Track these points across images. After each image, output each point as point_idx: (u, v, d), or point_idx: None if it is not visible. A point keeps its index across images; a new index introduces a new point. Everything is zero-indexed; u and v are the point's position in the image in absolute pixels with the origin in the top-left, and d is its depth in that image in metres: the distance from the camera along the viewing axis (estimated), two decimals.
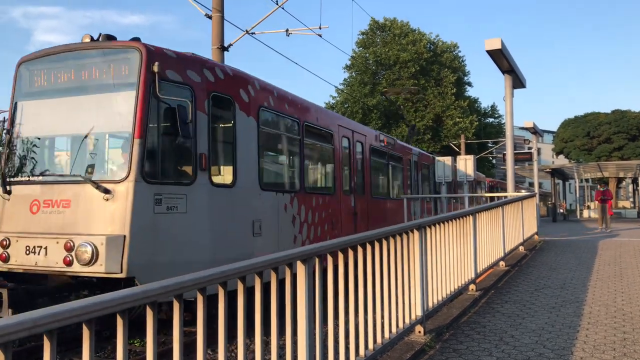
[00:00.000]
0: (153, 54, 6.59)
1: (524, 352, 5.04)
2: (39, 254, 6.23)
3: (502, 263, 9.59)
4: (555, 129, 55.81)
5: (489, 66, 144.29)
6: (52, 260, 6.15)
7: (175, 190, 6.63)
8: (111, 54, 6.81)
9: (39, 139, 7.15)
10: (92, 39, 6.97)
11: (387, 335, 4.65)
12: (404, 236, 5.13)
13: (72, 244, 6.04)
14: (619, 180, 47.69)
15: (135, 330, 5.49)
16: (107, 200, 6.24)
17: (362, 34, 44.45)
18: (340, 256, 4.06)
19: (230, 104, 7.62)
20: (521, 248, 11.81)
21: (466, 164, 19.12)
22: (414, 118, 40.89)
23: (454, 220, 6.66)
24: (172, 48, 7.08)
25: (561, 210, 39.94)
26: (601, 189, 23.44)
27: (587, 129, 47.80)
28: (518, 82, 15.45)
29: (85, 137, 6.80)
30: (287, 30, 14.95)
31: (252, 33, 13.94)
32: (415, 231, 5.34)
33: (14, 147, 7.23)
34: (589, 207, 42.50)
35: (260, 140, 8.19)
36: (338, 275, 4.06)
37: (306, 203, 9.42)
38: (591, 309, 6.76)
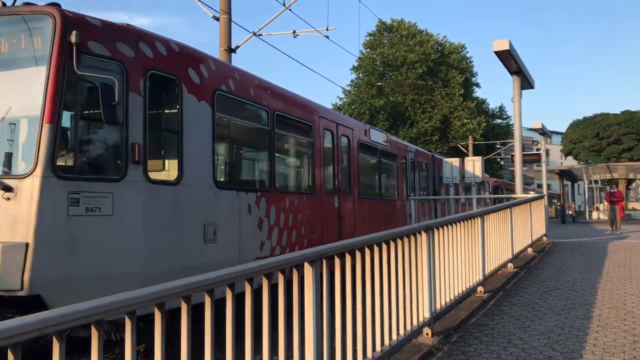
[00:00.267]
0: (70, 21, 5.49)
1: (533, 354, 5.01)
2: None
3: (510, 265, 9.54)
4: (564, 130, 55.45)
5: (497, 67, 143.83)
6: None
7: (97, 188, 5.52)
8: (21, 22, 5.66)
9: None
10: (3, 4, 5.89)
11: (394, 337, 4.64)
12: (412, 238, 5.12)
13: None
14: (629, 181, 47.31)
15: (144, 333, 5.51)
16: (9, 199, 5.16)
17: (370, 35, 44.47)
18: (348, 258, 4.06)
19: (175, 86, 6.46)
20: (530, 250, 11.74)
21: (474, 166, 19.04)
22: (421, 119, 40.82)
23: (461, 222, 6.63)
24: None
25: (570, 212, 39.71)
26: (612, 191, 23.30)
27: (597, 130, 47.45)
28: (526, 83, 15.37)
29: None
30: (294, 32, 14.98)
31: (260, 35, 13.97)
32: (423, 233, 5.33)
33: None
34: (598, 209, 42.23)
35: (216, 130, 7.05)
36: (345, 278, 4.06)
37: (277, 204, 8.28)
38: (601, 311, 6.71)
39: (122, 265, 5.62)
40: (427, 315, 5.32)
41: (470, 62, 46.70)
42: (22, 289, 4.97)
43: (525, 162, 23.05)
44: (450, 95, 42.05)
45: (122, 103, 5.67)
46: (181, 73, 6.56)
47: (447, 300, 6.01)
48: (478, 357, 4.94)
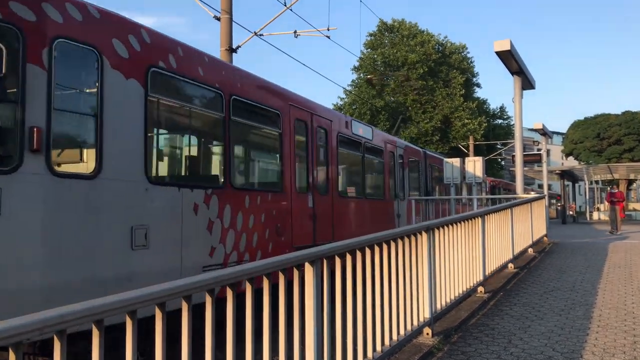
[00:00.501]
0: None
1: (533, 354, 5.01)
2: None
3: (511, 265, 9.54)
4: (564, 130, 55.50)
5: (498, 67, 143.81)
6: None
7: None
8: None
9: None
10: None
11: (395, 337, 4.65)
12: (413, 238, 5.13)
13: None
14: (630, 182, 47.29)
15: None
16: None
17: (370, 35, 44.51)
18: (349, 258, 4.06)
19: (94, 59, 5.36)
20: (530, 250, 11.74)
21: (475, 166, 19.03)
22: (422, 119, 40.82)
23: (462, 222, 6.64)
24: None
25: (571, 212, 39.69)
26: (612, 191, 23.30)
27: (597, 131, 47.47)
28: (527, 83, 15.38)
29: None
30: (295, 32, 14.99)
31: (261, 35, 13.98)
32: (423, 233, 5.33)
33: None
34: (598, 209, 42.22)
35: (150, 115, 5.94)
36: (346, 278, 4.06)
37: (234, 203, 7.21)
38: (601, 312, 6.70)
39: (13, 277, 4.57)
40: (427, 315, 5.33)
41: (471, 62, 46.74)
42: None
43: (526, 163, 23.04)
44: (451, 95, 42.06)
45: (15, 76, 4.67)
46: (102, 43, 5.43)
47: (448, 300, 6.02)
48: (478, 357, 4.94)
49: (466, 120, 41.41)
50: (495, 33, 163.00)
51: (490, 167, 43.05)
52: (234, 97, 7.41)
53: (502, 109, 51.17)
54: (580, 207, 55.38)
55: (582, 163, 47.21)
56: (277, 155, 8.72)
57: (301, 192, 9.12)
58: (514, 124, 17.98)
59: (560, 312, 6.69)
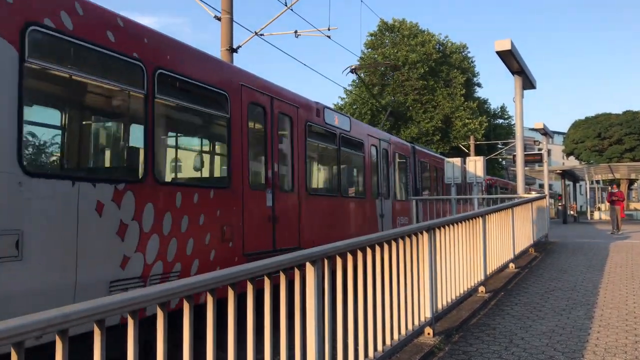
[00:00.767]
0: None
1: (534, 354, 5.01)
2: None
3: (512, 265, 9.54)
4: (565, 130, 55.52)
5: (498, 67, 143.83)
6: None
7: None
8: None
9: None
10: None
11: (396, 337, 4.65)
12: (414, 238, 5.13)
13: None
14: (631, 182, 47.30)
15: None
16: None
17: (371, 35, 44.46)
18: (350, 258, 4.06)
19: None
20: (531, 250, 11.74)
21: (476, 166, 19.03)
22: (423, 119, 40.83)
23: (463, 222, 6.64)
24: None
25: (571, 212, 39.68)
26: (613, 190, 23.30)
27: (598, 130, 47.49)
28: (528, 83, 15.37)
29: None
30: (295, 32, 14.98)
31: (261, 34, 13.98)
32: (425, 233, 5.34)
33: None
34: (599, 209, 42.21)
35: (25, 85, 4.55)
36: (347, 278, 4.07)
37: (159, 201, 5.87)
38: (602, 311, 6.70)
39: None
40: (428, 315, 5.33)
41: (471, 62, 46.72)
42: None
43: (527, 162, 23.00)
44: (452, 95, 42.05)
45: None
46: None
47: (449, 300, 6.02)
48: (479, 357, 4.94)
49: (467, 120, 41.41)
50: (496, 32, 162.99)
51: (491, 167, 43.05)
52: (161, 70, 6.04)
53: (502, 108, 51.20)
54: (581, 207, 55.38)
55: (583, 163, 47.25)
56: (224, 145, 7.38)
57: (256, 189, 7.72)
58: (514, 124, 17.96)
59: (562, 312, 6.69)
